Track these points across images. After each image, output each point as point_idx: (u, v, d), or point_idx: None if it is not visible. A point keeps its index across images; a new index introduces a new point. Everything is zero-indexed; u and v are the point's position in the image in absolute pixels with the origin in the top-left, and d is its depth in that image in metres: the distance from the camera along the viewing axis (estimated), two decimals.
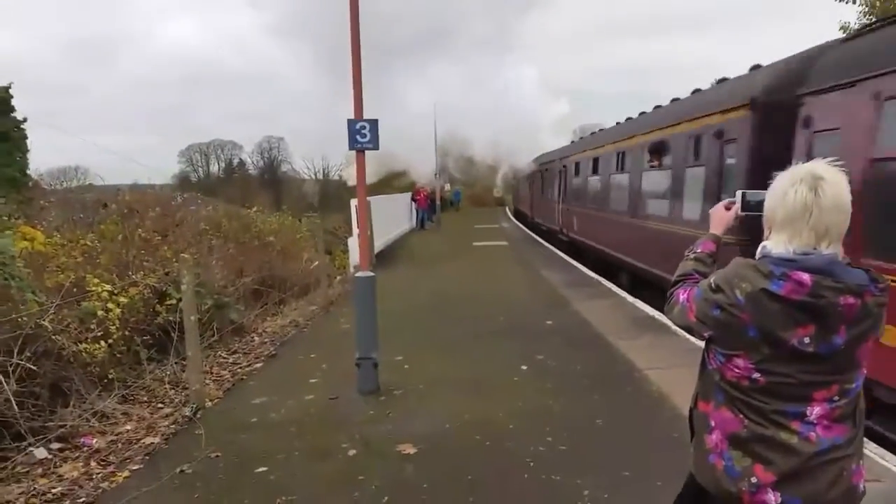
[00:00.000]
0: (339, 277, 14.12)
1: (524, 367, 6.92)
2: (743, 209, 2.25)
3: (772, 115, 7.13)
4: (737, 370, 1.88)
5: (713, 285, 1.92)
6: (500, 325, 9.11)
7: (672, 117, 10.68)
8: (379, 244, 17.83)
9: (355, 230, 15.01)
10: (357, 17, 6.12)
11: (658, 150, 10.84)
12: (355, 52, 6.12)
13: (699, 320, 1.96)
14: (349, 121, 6.22)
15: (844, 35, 8.38)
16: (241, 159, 74.57)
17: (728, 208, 2.33)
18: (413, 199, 29.85)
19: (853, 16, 16.21)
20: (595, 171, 16.13)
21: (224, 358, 7.73)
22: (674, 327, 8.28)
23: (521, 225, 32.64)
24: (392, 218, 22.78)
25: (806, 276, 1.76)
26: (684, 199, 9.72)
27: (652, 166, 11.22)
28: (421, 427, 5.31)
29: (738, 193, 2.27)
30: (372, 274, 6.41)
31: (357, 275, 6.49)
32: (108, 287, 6.43)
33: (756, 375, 1.84)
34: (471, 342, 8.12)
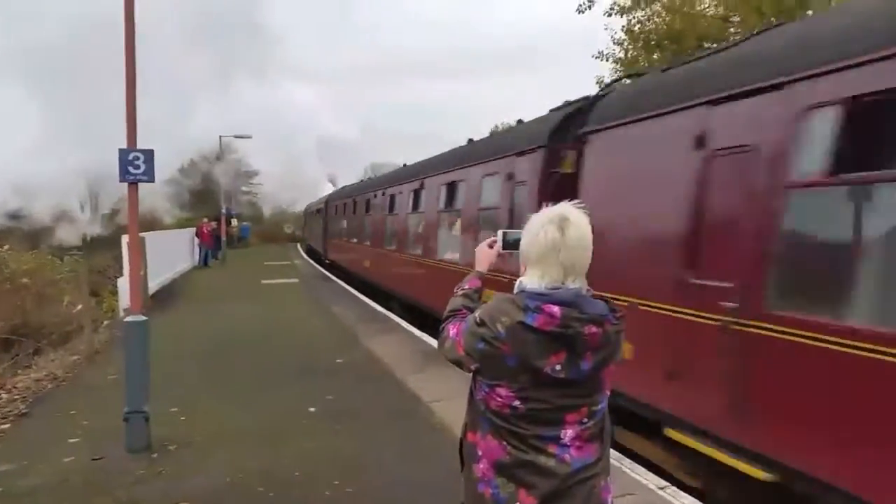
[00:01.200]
0: (106, 322, 12.82)
1: (313, 409, 6.79)
2: (504, 247, 2.39)
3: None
4: (499, 399, 1.99)
5: (478, 320, 2.04)
6: (289, 366, 8.87)
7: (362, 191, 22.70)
8: (155, 284, 16.56)
9: (126, 269, 13.81)
10: (132, 34, 5.74)
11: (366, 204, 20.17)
12: (129, 73, 5.73)
13: (467, 353, 2.07)
14: (121, 150, 5.77)
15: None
16: None
17: (491, 246, 2.48)
18: (196, 235, 28.16)
19: (607, 72, 18.55)
20: (332, 212, 28.31)
21: None
22: None
23: (313, 262, 32.22)
24: (171, 255, 21.30)
25: (556, 309, 1.93)
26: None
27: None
28: (198, 483, 4.96)
29: (499, 233, 2.40)
30: (144, 318, 5.91)
31: (127, 319, 5.96)
32: None
33: (517, 403, 1.97)
34: (257, 387, 7.79)
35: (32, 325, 10.31)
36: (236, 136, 36.52)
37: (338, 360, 9.13)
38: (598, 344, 1.97)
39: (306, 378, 8.14)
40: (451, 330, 2.19)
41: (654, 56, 16.78)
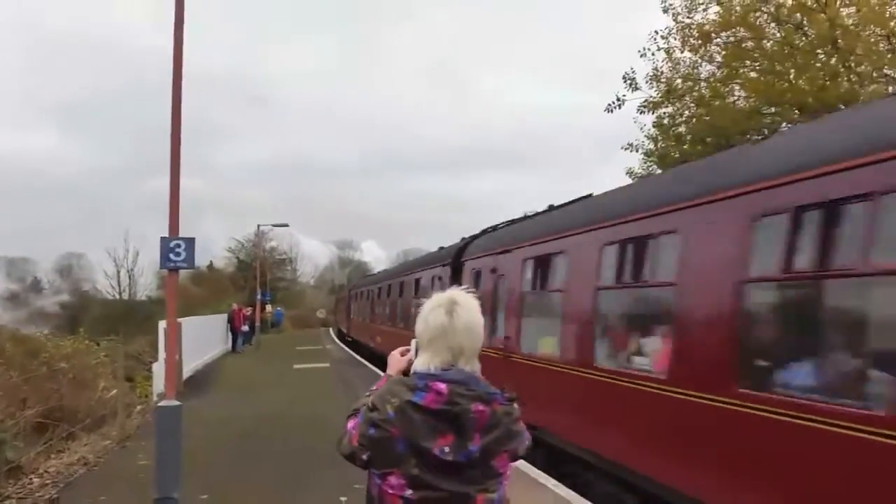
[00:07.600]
0: (139, 407, 12.87)
1: (344, 499, 6.63)
2: (416, 355, 2.32)
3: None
4: (391, 490, 1.94)
5: (370, 405, 2.02)
6: (318, 453, 8.69)
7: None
8: (189, 369, 16.66)
9: (162, 354, 13.96)
10: (179, 122, 6.01)
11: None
12: (174, 161, 5.98)
13: (360, 443, 2.01)
14: (162, 239, 5.97)
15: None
16: (35, 277, 66.15)
17: (403, 354, 2.41)
18: (229, 321, 28.31)
19: (637, 163, 18.80)
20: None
21: None
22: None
23: (345, 347, 32.14)
24: (205, 340, 21.53)
25: (443, 386, 1.94)
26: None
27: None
28: None
29: (413, 342, 2.34)
30: (177, 403, 5.95)
31: (160, 404, 6.00)
32: None
33: (408, 493, 1.92)
34: (288, 474, 7.68)
35: (67, 409, 10.35)
36: (274, 225, 37.56)
37: None
38: (485, 424, 1.95)
39: (336, 465, 7.90)
40: (349, 423, 2.13)
41: (685, 148, 16.76)
